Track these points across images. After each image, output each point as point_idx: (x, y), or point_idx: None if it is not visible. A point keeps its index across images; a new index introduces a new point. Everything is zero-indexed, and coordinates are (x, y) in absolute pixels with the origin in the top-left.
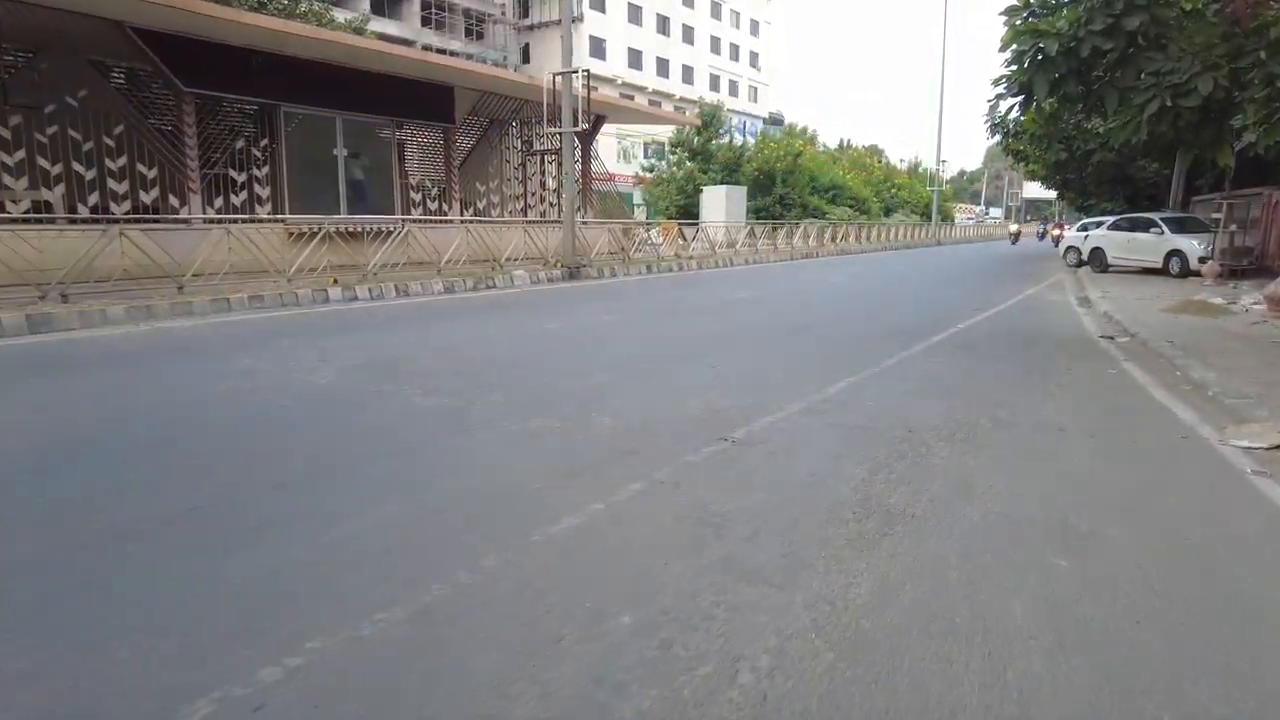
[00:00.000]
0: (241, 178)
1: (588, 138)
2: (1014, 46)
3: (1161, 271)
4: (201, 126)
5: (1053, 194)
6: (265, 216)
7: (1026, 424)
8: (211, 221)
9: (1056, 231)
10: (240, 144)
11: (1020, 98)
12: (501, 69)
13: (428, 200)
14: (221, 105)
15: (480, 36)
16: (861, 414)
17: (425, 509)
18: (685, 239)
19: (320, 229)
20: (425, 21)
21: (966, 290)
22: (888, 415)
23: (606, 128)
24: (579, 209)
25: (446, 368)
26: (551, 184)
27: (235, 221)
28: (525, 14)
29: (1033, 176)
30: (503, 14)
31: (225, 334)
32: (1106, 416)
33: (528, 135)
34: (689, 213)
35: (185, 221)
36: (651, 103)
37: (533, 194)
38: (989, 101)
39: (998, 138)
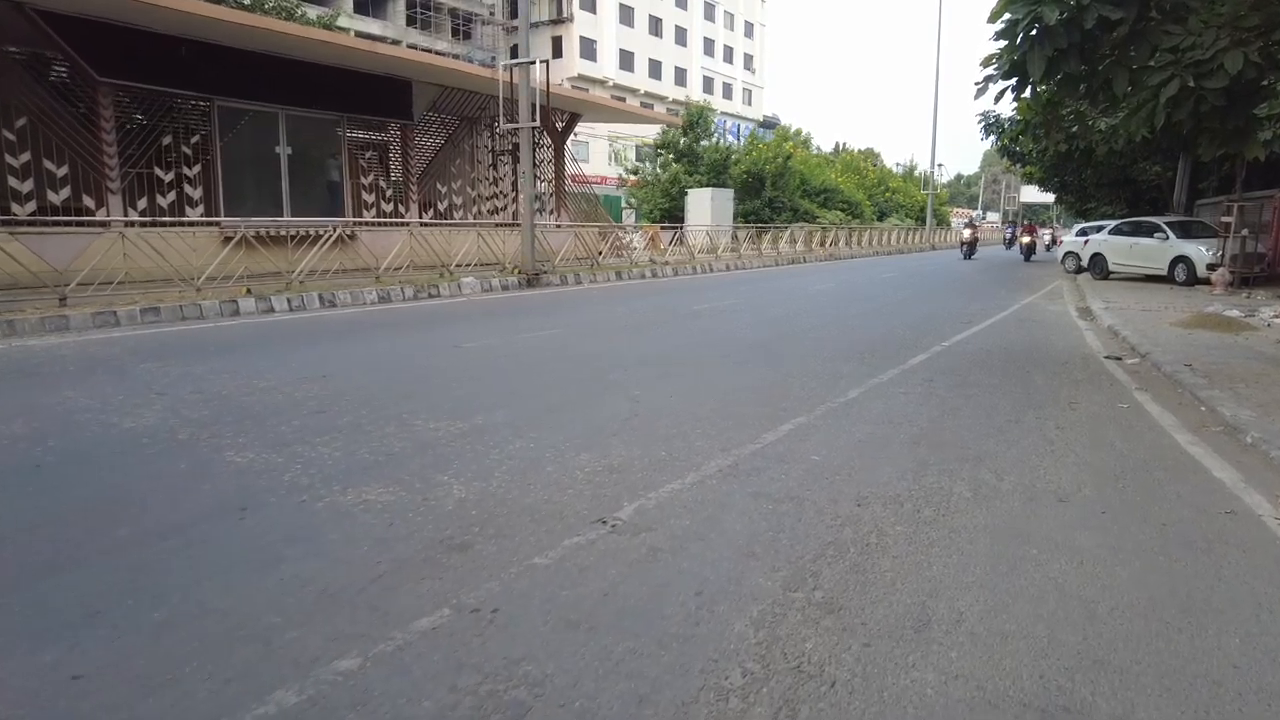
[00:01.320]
0: (169, 177)
1: (562, 136)
2: (1005, 16)
3: (1166, 279)
4: (121, 121)
5: (1050, 198)
6: (199, 219)
7: (1017, 491)
8: (133, 224)
9: (1027, 238)
10: (167, 140)
11: (1013, 80)
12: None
13: (382, 201)
14: (144, 98)
15: (468, 36)
16: (800, 476)
17: (52, 677)
18: (660, 244)
19: (239, 232)
20: (411, 21)
21: (957, 300)
22: (834, 478)
23: (600, 129)
24: (552, 211)
25: (305, 403)
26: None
27: (158, 224)
28: (514, 14)
29: (1030, 179)
30: (491, 14)
31: (85, 355)
32: (1122, 477)
33: (500, 132)
34: (674, 216)
35: (104, 224)
36: (644, 105)
37: (505, 195)
38: (976, 84)
39: (993, 139)
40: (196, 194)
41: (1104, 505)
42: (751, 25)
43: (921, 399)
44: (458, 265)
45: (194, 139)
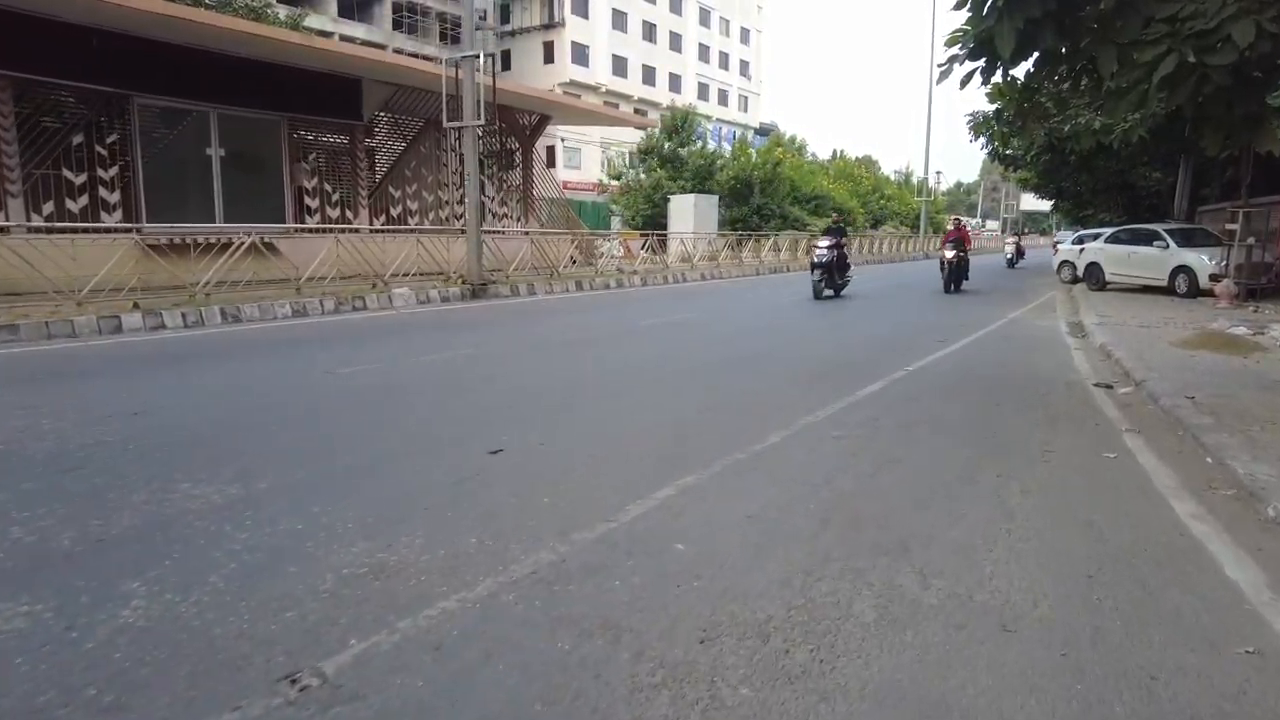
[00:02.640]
0: (81, 179)
1: (530, 138)
2: None
3: (1166, 290)
4: (24, 117)
5: (1049, 205)
6: (115, 225)
7: (944, 609)
8: (36, 230)
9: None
10: (78, 139)
11: (981, 61)
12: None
13: (328, 207)
14: (49, 92)
15: (456, 40)
16: (642, 583)
17: None
18: (631, 252)
19: (136, 240)
20: (397, 25)
21: (939, 313)
22: (689, 586)
23: (593, 135)
24: (518, 218)
25: (68, 455)
26: (493, 190)
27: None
28: (505, 19)
29: (1025, 186)
30: (482, 19)
31: None
32: (1098, 581)
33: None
34: (657, 223)
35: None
36: (637, 111)
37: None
38: (939, 67)
39: (982, 140)
40: (113, 198)
41: (1067, 637)
42: (748, 31)
43: (858, 445)
44: (393, 275)
45: (109, 139)
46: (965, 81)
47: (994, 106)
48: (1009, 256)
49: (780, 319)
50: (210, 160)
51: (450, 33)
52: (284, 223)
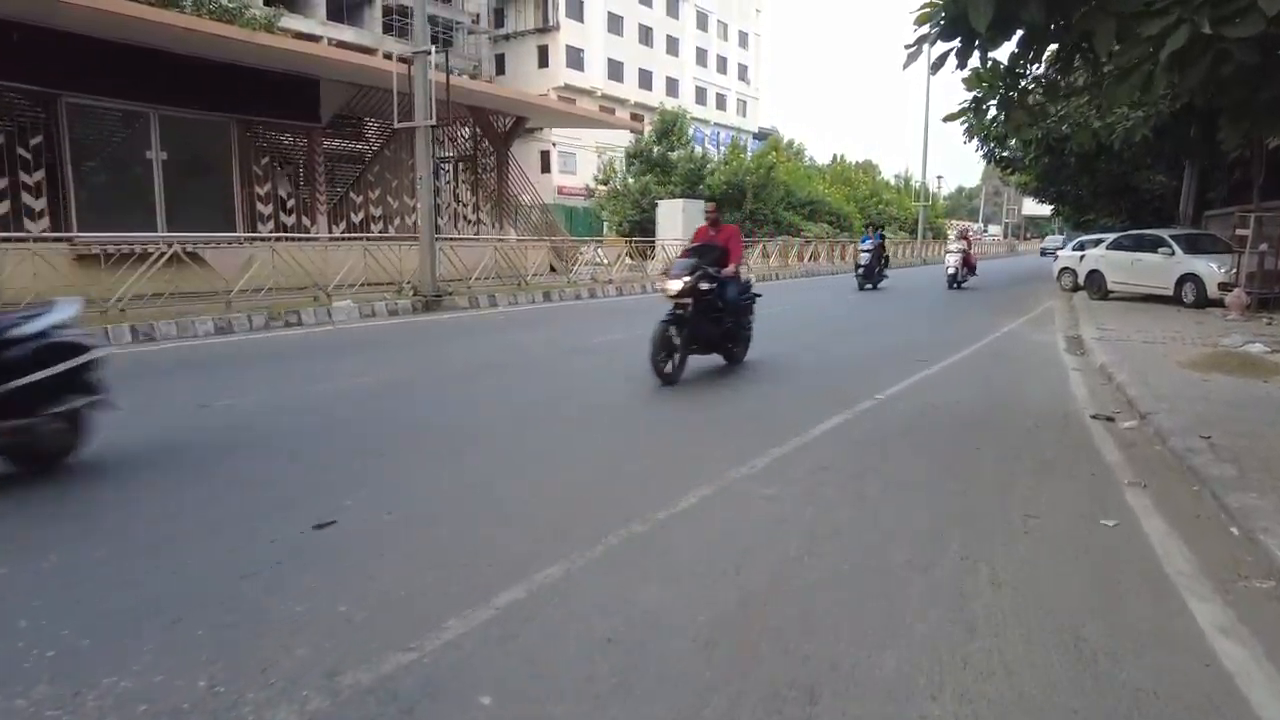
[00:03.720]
0: (1, 184)
1: (505, 141)
2: None
3: (1172, 300)
4: None
5: (1050, 209)
6: (45, 234)
7: None
8: None
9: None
10: None
11: (955, 41)
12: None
13: (282, 214)
14: None
15: (449, 44)
16: None
17: None
18: (605, 260)
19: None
20: (387, 29)
21: (927, 326)
22: None
23: (586, 139)
24: (495, 225)
25: None
26: (468, 196)
27: None
28: (499, 23)
29: (1025, 190)
30: (475, 22)
31: None
32: None
33: (440, 138)
34: (645, 228)
35: None
36: (634, 115)
37: (447, 207)
38: (907, 48)
39: (976, 142)
40: (38, 205)
41: None
42: (746, 35)
43: (791, 510)
44: (340, 287)
45: (33, 141)
46: (937, 66)
47: (972, 95)
48: (951, 272)
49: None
50: (151, 164)
51: (441, 35)
52: (235, 231)
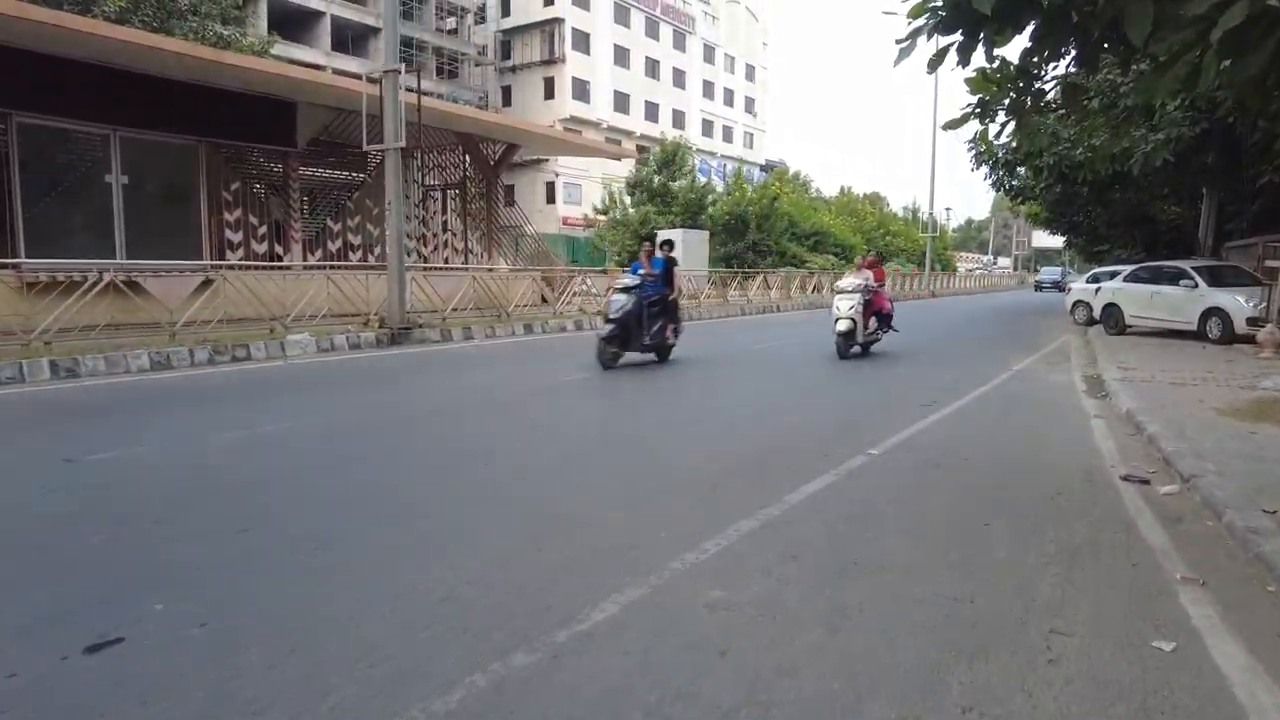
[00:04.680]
0: None
1: (495, 169)
2: None
3: (1196, 335)
4: None
5: (1061, 241)
6: None
7: None
8: None
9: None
10: None
11: (956, 34)
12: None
13: (254, 241)
14: None
15: (454, 75)
16: None
17: None
18: (592, 289)
19: None
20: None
21: (932, 363)
22: None
23: (594, 170)
24: (485, 254)
25: None
26: (458, 223)
27: None
28: (507, 56)
29: (1035, 221)
30: (482, 54)
31: None
32: None
33: (429, 164)
34: None
35: None
36: (639, 147)
37: (435, 236)
38: (899, 44)
39: (985, 170)
40: None
41: None
42: (753, 68)
43: (738, 628)
44: (297, 318)
45: None
46: (936, 63)
47: (978, 98)
48: (843, 329)
49: (736, 371)
50: (110, 188)
51: (446, 68)
52: (201, 259)
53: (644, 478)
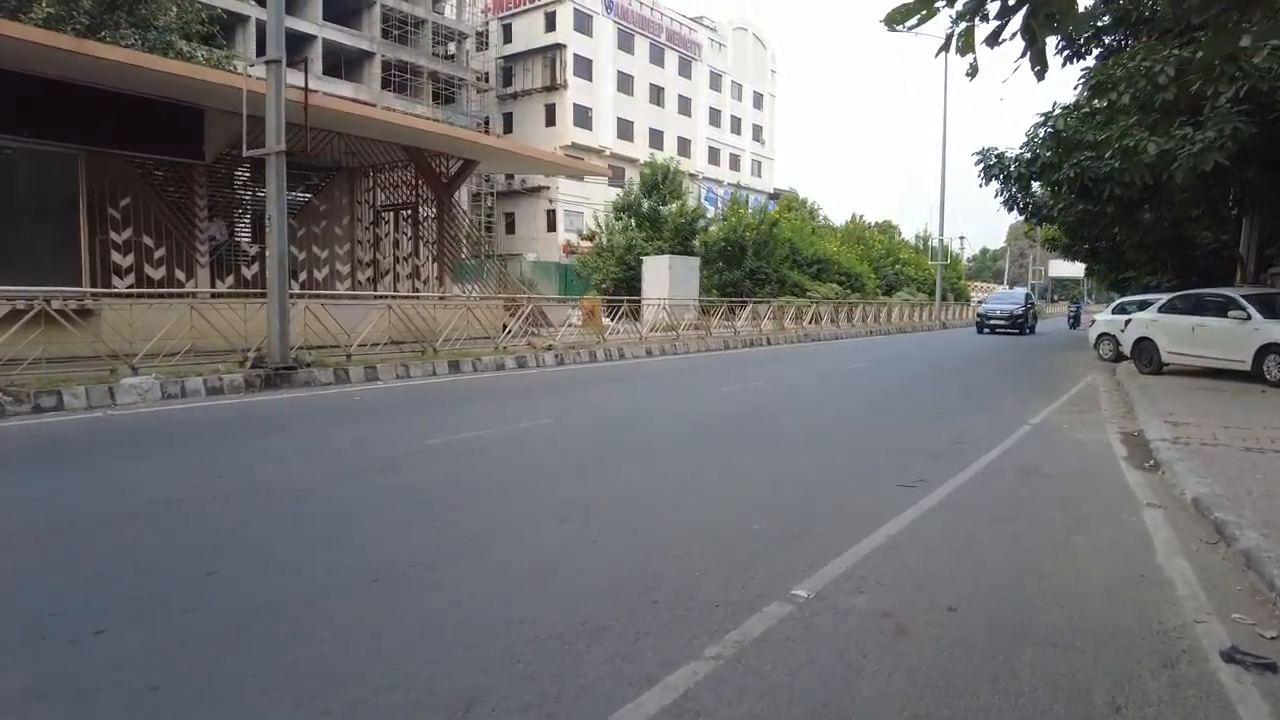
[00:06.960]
0: None
1: (448, 187)
2: None
3: (1250, 376)
4: None
5: (1080, 269)
6: None
7: None
8: None
9: None
10: None
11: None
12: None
13: (148, 265)
14: None
15: (450, 100)
16: None
17: None
18: (550, 323)
19: None
20: (386, 84)
21: (929, 413)
22: None
23: (595, 196)
24: (429, 278)
25: None
26: (408, 245)
27: None
28: (508, 82)
29: (1053, 247)
30: (484, 81)
31: None
32: None
33: (381, 183)
34: (630, 286)
35: None
36: (612, 167)
37: (384, 259)
38: (948, 30)
39: (995, 187)
40: None
41: None
42: (761, 96)
43: None
44: (151, 356)
45: None
46: (995, 39)
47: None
48: None
49: (671, 430)
50: None
51: (443, 92)
52: (80, 285)
53: (468, 630)
